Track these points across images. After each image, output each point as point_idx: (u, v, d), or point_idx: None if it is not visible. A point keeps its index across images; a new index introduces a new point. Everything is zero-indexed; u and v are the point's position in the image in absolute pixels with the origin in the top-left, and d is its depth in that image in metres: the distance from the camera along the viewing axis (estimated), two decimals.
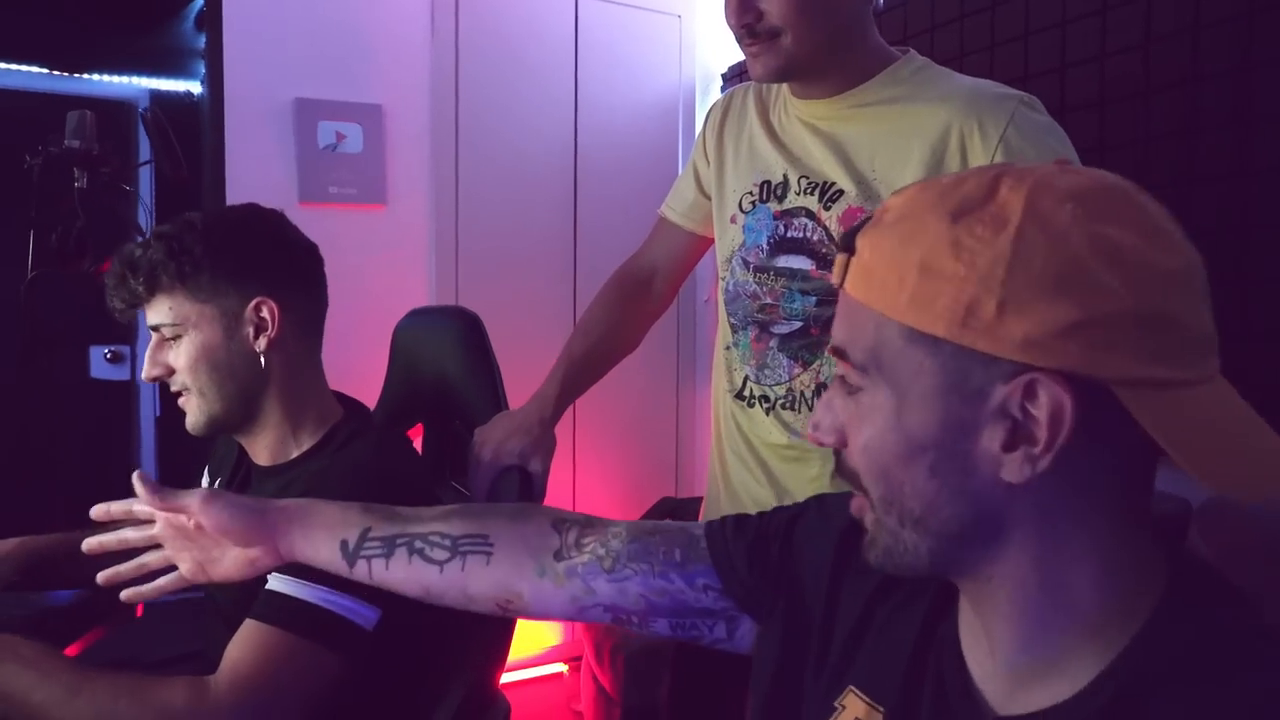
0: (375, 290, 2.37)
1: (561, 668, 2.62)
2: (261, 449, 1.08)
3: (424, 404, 1.35)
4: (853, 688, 0.62)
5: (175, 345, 1.03)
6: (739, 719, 1.00)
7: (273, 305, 1.03)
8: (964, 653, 0.57)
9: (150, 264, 1.00)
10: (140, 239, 1.07)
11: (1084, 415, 0.46)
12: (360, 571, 0.76)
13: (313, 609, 0.88)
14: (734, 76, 2.72)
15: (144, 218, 2.33)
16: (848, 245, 0.54)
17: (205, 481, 1.23)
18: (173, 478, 1.26)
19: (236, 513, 0.79)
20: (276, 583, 0.91)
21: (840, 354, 0.55)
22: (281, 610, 0.89)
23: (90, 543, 0.86)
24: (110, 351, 2.97)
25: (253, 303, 1.02)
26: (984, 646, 0.55)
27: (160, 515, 0.83)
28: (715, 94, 2.83)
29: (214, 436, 1.10)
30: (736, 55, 2.68)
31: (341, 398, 1.15)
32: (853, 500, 0.58)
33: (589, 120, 2.65)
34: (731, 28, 1.04)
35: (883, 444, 0.52)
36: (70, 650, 1.15)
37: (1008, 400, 0.47)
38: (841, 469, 0.57)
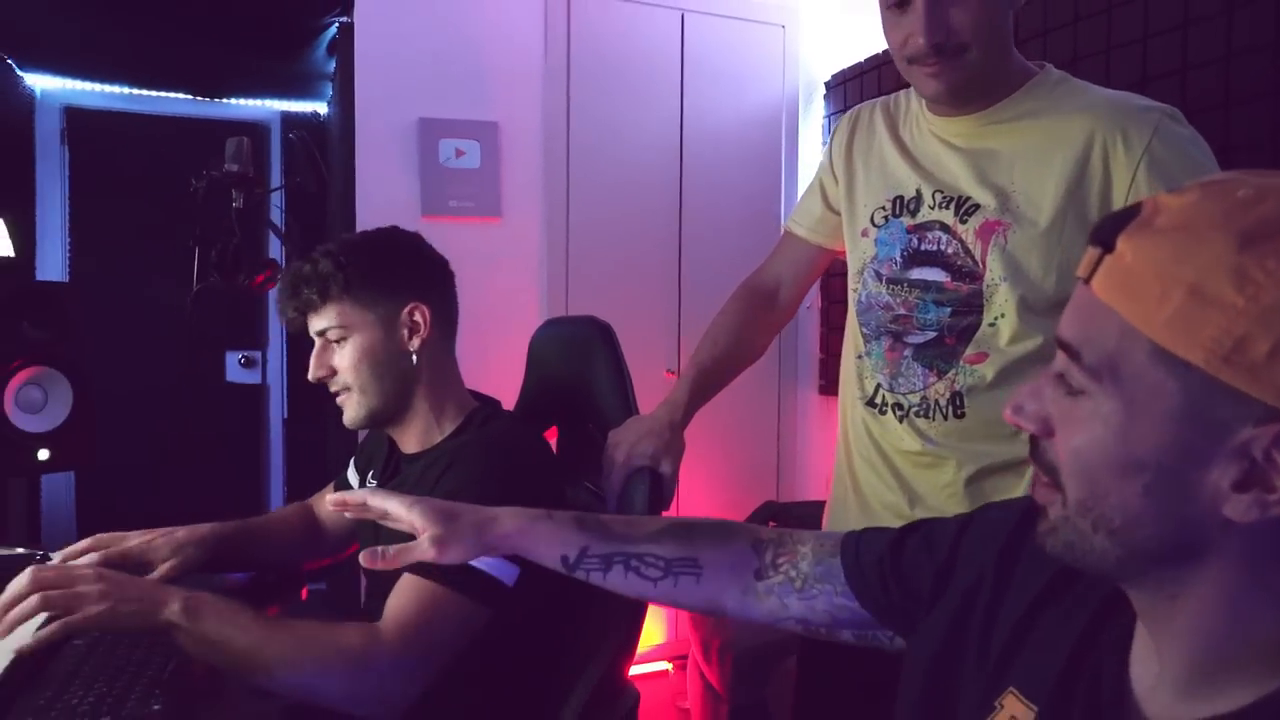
0: (490, 298, 2.49)
1: (666, 666, 2.68)
2: (411, 439, 1.20)
3: (559, 407, 1.43)
4: (1013, 689, 0.63)
5: (340, 348, 1.16)
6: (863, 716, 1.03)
7: (425, 309, 1.16)
8: (1131, 661, 0.57)
9: (321, 276, 1.14)
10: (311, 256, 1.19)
11: None
12: (579, 578, 0.83)
13: (463, 565, 0.96)
14: (837, 85, 2.74)
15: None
16: (1105, 240, 0.50)
17: (352, 475, 1.34)
18: (298, 474, 1.37)
19: (454, 532, 0.81)
20: None
21: (1069, 350, 0.52)
22: (436, 566, 0.97)
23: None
24: (244, 357, 3.17)
25: (407, 308, 1.16)
26: (1151, 657, 0.55)
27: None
28: (819, 103, 2.85)
29: (370, 429, 1.23)
30: (839, 64, 2.70)
31: (474, 393, 1.27)
32: (1037, 488, 0.57)
33: (694, 132, 2.71)
34: (916, 49, 1.02)
35: (1099, 453, 0.51)
36: None
37: (1253, 442, 0.46)
38: (1038, 457, 0.56)
